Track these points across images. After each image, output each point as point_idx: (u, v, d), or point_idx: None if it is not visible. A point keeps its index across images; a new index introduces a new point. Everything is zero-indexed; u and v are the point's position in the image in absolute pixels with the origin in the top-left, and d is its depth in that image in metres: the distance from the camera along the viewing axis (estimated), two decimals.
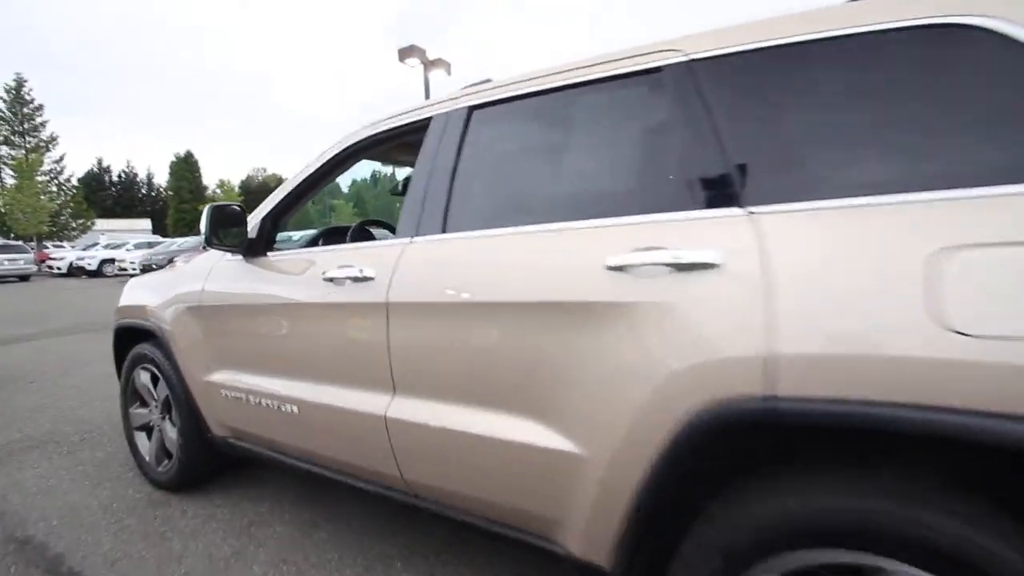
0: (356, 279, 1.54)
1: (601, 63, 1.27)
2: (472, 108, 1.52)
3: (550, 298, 1.16)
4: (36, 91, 41.55)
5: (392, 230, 2.80)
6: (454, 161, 1.50)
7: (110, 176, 54.68)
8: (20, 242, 21.59)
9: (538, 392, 1.18)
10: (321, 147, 1.93)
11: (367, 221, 2.48)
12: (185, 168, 45.09)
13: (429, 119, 1.61)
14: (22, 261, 18.29)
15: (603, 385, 1.08)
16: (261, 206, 2.01)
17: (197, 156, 47.75)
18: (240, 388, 1.92)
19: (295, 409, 1.73)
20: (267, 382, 1.83)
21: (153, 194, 56.24)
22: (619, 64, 1.24)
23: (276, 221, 1.99)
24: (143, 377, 2.45)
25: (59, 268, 20.59)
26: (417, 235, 1.50)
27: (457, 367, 1.33)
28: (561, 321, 1.14)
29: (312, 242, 2.39)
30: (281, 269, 1.86)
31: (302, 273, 1.75)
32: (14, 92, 32.55)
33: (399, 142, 1.80)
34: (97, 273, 19.33)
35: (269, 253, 1.94)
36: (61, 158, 33.18)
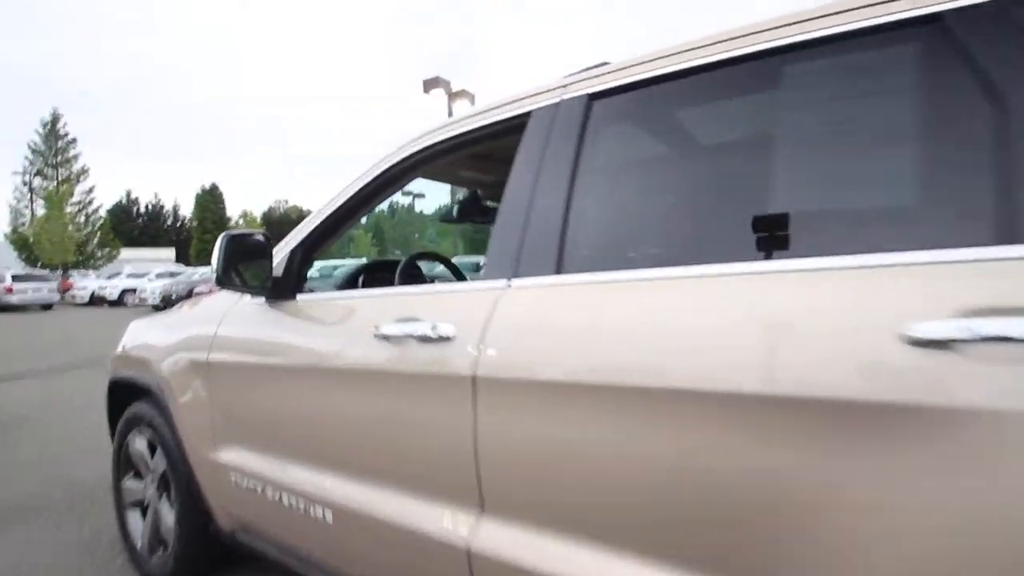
0: (425, 339, 1.08)
1: (842, 11, 0.81)
2: (592, 97, 1.08)
3: (810, 393, 0.67)
4: (71, 125, 43.11)
5: (451, 266, 2.36)
6: (570, 170, 1.05)
7: (138, 207, 56.19)
8: (46, 271, 21.85)
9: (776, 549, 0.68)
10: (361, 167, 1.50)
11: (420, 254, 2.03)
12: (210, 199, 46.11)
13: (525, 116, 1.17)
14: (45, 290, 18.39)
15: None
16: (291, 235, 1.58)
17: (222, 188, 48.89)
18: (255, 475, 1.45)
19: (328, 516, 1.24)
20: (292, 472, 1.36)
21: (178, 225, 57.55)
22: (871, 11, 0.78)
23: (308, 254, 1.56)
24: (139, 443, 2.00)
25: (81, 297, 20.67)
26: (517, 277, 1.05)
27: (601, 485, 0.84)
28: (839, 435, 0.65)
29: (350, 281, 1.94)
30: (315, 318, 1.41)
31: (344, 324, 1.30)
32: (50, 126, 33.76)
33: (473, 151, 1.36)
34: (118, 303, 19.33)
35: (299, 296, 1.50)
36: (91, 189, 34.08)
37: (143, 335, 2.06)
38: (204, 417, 1.65)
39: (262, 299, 1.55)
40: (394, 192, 1.52)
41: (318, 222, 1.51)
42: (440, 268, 2.30)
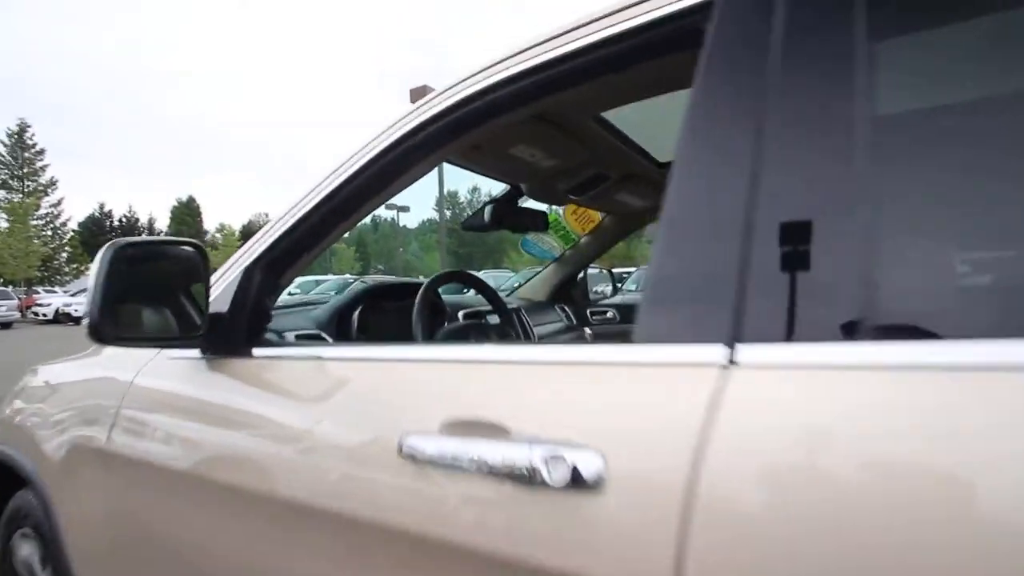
0: (524, 479, 0.48)
1: None
2: None
3: None
4: (40, 136, 41.64)
5: (486, 292, 1.64)
6: (861, 107, 0.46)
7: (111, 220, 54.43)
8: (7, 288, 20.65)
9: None
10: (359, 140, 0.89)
11: (447, 275, 1.40)
12: (186, 213, 44.88)
13: (705, 5, 0.57)
14: (4, 308, 17.22)
15: None
16: (243, 249, 0.97)
17: (199, 201, 47.66)
18: None
19: None
20: None
21: None
22: None
23: (273, 278, 0.95)
24: (24, 550, 1.34)
25: (45, 315, 19.48)
26: (746, 341, 0.45)
27: None
28: None
29: (341, 316, 1.33)
30: (283, 395, 0.80)
31: (337, 419, 0.69)
32: (16, 136, 32.38)
33: (549, 103, 0.78)
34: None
35: (257, 351, 0.89)
36: (59, 202, 32.72)
37: (38, 392, 1.41)
38: (98, 533, 1.02)
39: (195, 352, 0.93)
40: (411, 175, 0.91)
41: (288, 226, 0.90)
42: (470, 295, 1.69)
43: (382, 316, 1.36)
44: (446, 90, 0.77)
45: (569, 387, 0.54)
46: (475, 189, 62.30)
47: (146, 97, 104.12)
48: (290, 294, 13.05)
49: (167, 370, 0.97)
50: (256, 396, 0.83)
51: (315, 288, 12.86)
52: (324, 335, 1.21)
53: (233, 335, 0.91)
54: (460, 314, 1.65)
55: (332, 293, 12.41)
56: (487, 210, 1.54)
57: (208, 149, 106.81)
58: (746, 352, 0.45)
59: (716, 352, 0.46)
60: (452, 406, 0.59)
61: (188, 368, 0.94)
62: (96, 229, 51.02)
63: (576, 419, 0.51)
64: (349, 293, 1.35)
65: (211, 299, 0.90)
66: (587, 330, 1.35)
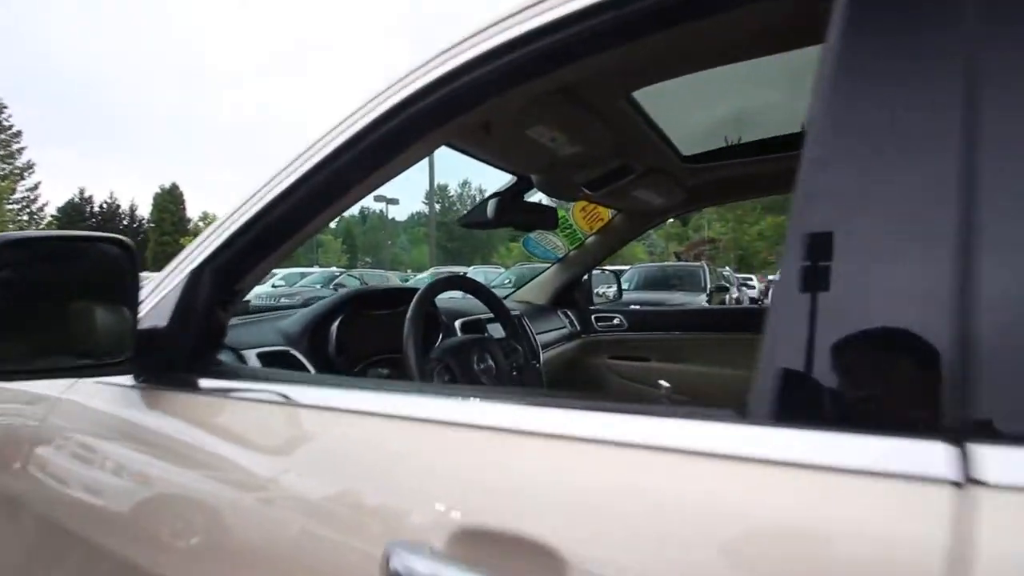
0: None
1: None
2: None
3: None
4: (19, 118, 40.42)
5: (488, 299, 1.38)
6: None
7: (92, 206, 53.09)
8: None
9: None
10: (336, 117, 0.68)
11: (445, 281, 1.19)
12: (169, 200, 43.89)
13: None
14: None
15: None
16: (191, 246, 0.77)
17: (183, 188, 46.60)
18: None
19: None
20: None
21: (135, 225, 54.58)
22: None
23: (228, 284, 0.75)
24: None
25: None
26: (981, 439, 0.25)
27: None
28: None
29: (317, 329, 1.12)
30: (239, 446, 0.60)
31: (314, 498, 0.49)
32: None
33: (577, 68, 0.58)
34: None
35: (205, 383, 0.69)
36: (36, 186, 31.80)
37: None
38: None
39: (127, 380, 0.73)
40: (399, 162, 0.70)
41: (247, 219, 0.70)
42: (460, 297, 1.49)
43: (365, 328, 1.17)
44: (447, 50, 0.58)
45: (674, 487, 0.35)
46: (466, 183, 61.92)
47: (135, 84, 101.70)
48: (274, 286, 12.76)
49: (85, 402, 0.76)
50: (194, 451, 0.63)
51: (300, 280, 12.55)
52: (295, 352, 1.01)
53: (174, 359, 0.71)
54: (457, 324, 1.45)
55: (318, 286, 12.12)
56: (491, 205, 1.34)
57: (196, 139, 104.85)
58: (985, 457, 0.26)
59: (939, 456, 0.27)
60: (469, 501, 0.39)
61: (114, 400, 0.73)
62: (76, 215, 49.76)
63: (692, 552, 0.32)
64: (327, 302, 1.14)
65: (144, 311, 0.70)
66: (663, 383, 1.11)
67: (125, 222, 55.19)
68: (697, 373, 2.03)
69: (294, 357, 1.03)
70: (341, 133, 0.64)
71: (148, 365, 0.70)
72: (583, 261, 2.15)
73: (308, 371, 1.02)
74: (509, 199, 1.37)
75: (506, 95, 0.59)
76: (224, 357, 0.94)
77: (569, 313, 2.20)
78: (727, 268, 14.05)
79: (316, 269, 16.90)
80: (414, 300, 1.00)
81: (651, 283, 7.72)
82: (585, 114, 0.95)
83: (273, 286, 12.32)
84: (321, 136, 0.66)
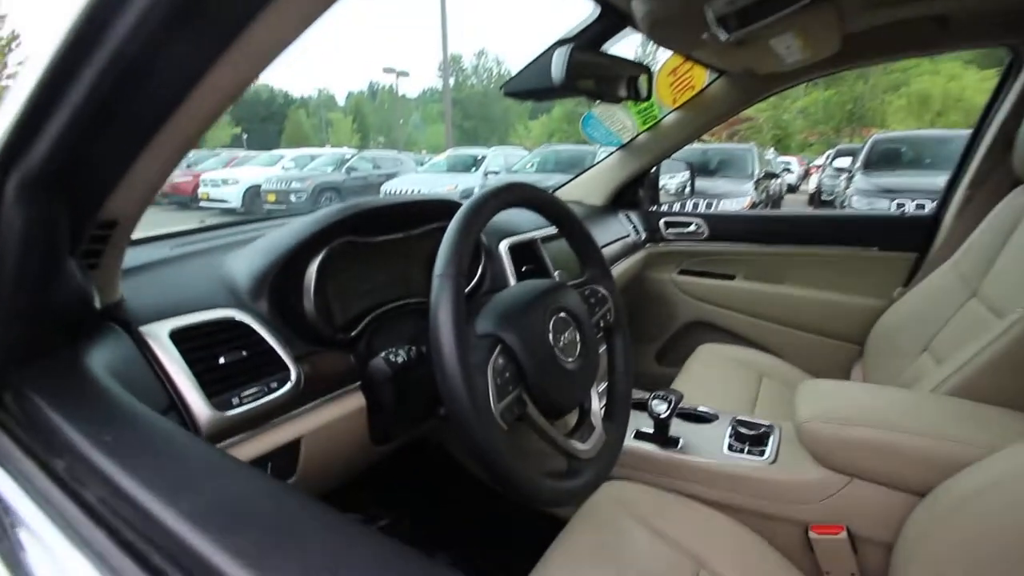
0: None
1: None
2: None
3: None
4: None
5: (542, 211, 0.89)
6: None
7: None
8: None
9: None
10: None
11: (505, 190, 0.70)
12: None
13: None
14: None
15: None
16: None
17: None
18: None
19: None
20: None
21: None
22: None
23: (88, 197, 0.33)
24: None
25: None
26: None
27: None
28: None
29: (284, 267, 0.68)
30: None
31: None
32: None
33: None
34: None
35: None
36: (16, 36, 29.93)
37: None
38: None
39: None
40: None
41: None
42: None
43: (363, 267, 0.73)
44: None
45: None
46: (482, 53, 56.80)
47: None
48: (284, 168, 12.05)
49: None
50: None
51: (310, 163, 11.86)
52: (247, 319, 0.60)
53: None
54: (503, 247, 1.01)
55: (328, 169, 11.43)
56: (558, 59, 0.82)
57: None
58: None
59: None
60: None
61: None
62: None
63: None
64: (300, 227, 0.68)
65: None
66: None
67: None
68: (803, 300, 1.59)
69: (246, 329, 0.61)
70: None
71: None
72: (653, 148, 1.62)
73: (269, 350, 0.61)
74: (587, 47, 0.84)
75: None
76: (112, 341, 0.53)
77: (632, 216, 1.72)
78: (770, 150, 12.81)
79: (327, 150, 16.01)
80: (457, 222, 0.55)
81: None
82: None
83: (284, 168, 11.66)
84: None
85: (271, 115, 44.02)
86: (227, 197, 10.33)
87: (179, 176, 11.15)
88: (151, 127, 0.38)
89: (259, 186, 10.27)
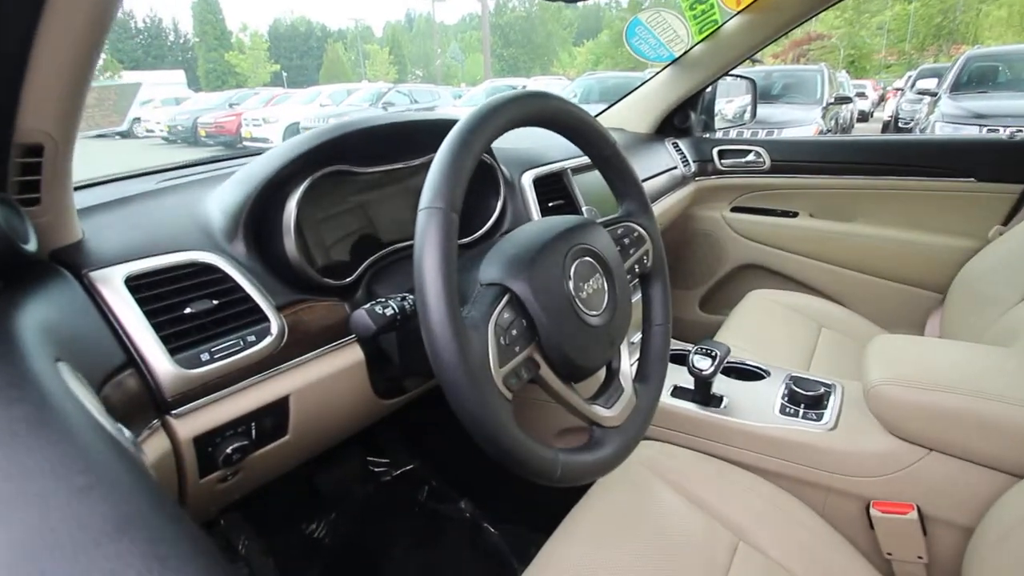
0: None
1: None
2: None
3: None
4: None
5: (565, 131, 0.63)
6: None
7: (135, 23, 50.92)
8: None
9: None
10: None
11: (513, 102, 0.56)
12: (207, 10, 40.98)
13: None
14: None
15: None
16: None
17: None
18: None
19: None
20: None
21: (181, 41, 52.62)
22: None
23: None
24: None
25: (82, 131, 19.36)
26: None
27: None
28: None
29: (259, 206, 0.59)
30: None
31: None
32: None
33: None
34: (128, 134, 17.94)
35: None
36: None
37: None
38: None
39: None
40: None
41: None
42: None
43: (356, 202, 0.64)
44: None
45: None
46: None
47: None
48: (322, 105, 11.93)
49: None
50: None
51: (346, 98, 11.66)
52: (219, 263, 0.52)
53: None
54: (526, 178, 0.88)
55: (366, 105, 11.22)
56: None
57: None
58: None
59: None
60: None
61: None
62: (122, 32, 48.18)
63: None
64: (278, 154, 0.57)
65: None
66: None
67: (171, 38, 53.16)
68: (877, 240, 1.39)
69: (218, 275, 0.53)
70: None
71: None
72: (709, 63, 1.40)
73: (245, 298, 0.54)
74: None
75: None
76: (57, 289, 0.45)
77: (680, 145, 1.53)
78: (842, 72, 11.54)
79: (364, 84, 15.67)
80: (450, 141, 0.45)
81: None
82: None
83: (321, 105, 11.54)
84: None
85: (308, 50, 43.31)
86: (269, 136, 10.39)
87: (223, 116, 11.25)
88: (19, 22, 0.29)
89: (298, 124, 10.24)
